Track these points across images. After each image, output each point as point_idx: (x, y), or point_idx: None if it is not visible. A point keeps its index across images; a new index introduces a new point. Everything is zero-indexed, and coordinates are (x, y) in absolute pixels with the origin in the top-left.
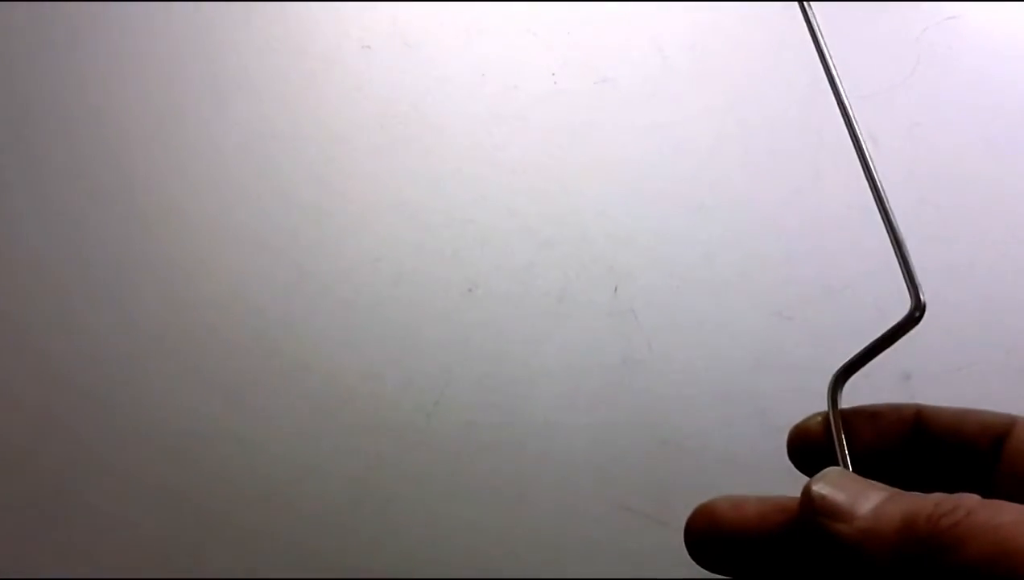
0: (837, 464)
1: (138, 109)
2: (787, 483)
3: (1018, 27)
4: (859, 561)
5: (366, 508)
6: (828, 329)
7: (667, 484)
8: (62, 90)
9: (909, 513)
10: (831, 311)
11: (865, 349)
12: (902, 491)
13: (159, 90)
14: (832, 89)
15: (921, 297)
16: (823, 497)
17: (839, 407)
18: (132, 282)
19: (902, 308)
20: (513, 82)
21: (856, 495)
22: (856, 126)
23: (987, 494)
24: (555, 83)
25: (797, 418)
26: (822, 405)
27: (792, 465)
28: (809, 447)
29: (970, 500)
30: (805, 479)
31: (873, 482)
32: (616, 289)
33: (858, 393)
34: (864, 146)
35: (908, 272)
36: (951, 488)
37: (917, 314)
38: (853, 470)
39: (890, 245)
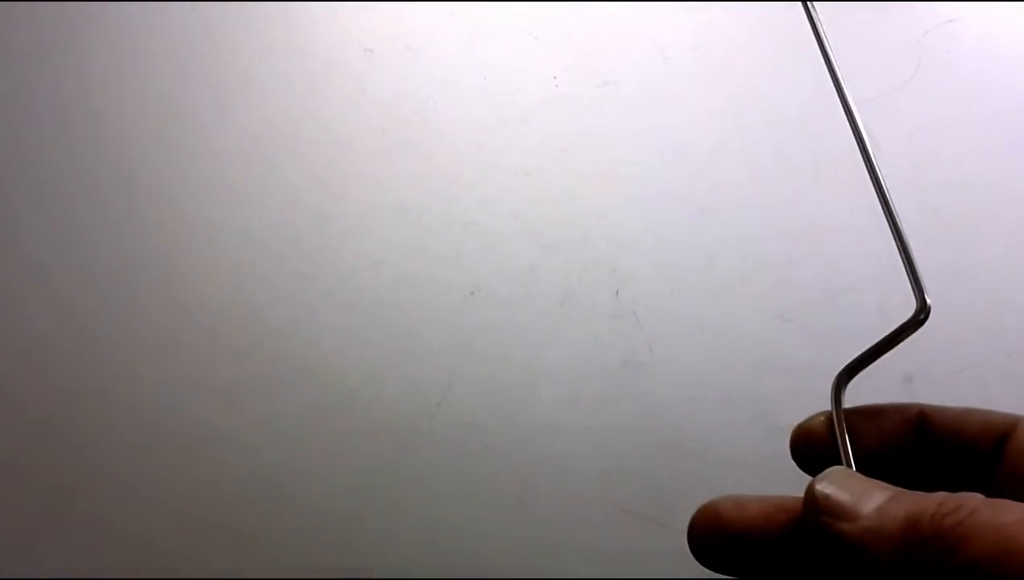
0: (840, 463)
1: (139, 112)
2: (789, 485)
3: (1018, 29)
4: (863, 560)
5: (368, 510)
6: (830, 332)
7: (669, 486)
8: (62, 93)
9: (913, 512)
10: (833, 314)
11: (869, 350)
12: (906, 490)
13: (160, 93)
14: (837, 91)
15: (926, 299)
16: (827, 496)
17: (842, 406)
18: (133, 285)
19: (904, 310)
20: (515, 85)
21: (860, 494)
22: (860, 128)
23: (990, 494)
24: (557, 86)
25: (799, 420)
26: (824, 407)
27: (795, 466)
28: (812, 447)
29: (973, 499)
30: (808, 480)
31: (877, 481)
32: (618, 292)
33: (860, 394)
34: (868, 148)
35: (913, 274)
36: (954, 488)
37: (922, 317)
38: (856, 469)
39: (893, 247)
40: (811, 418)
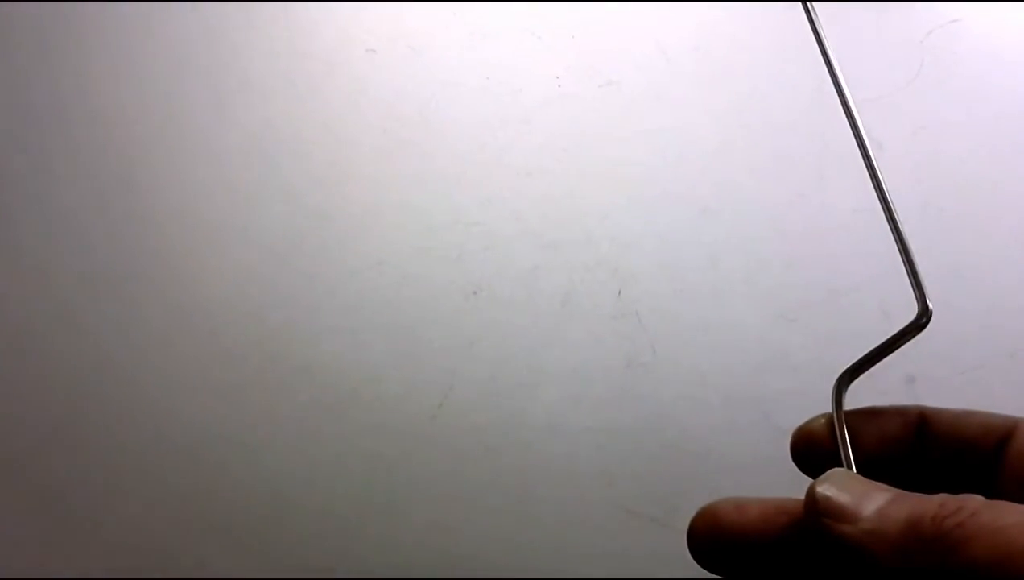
0: (841, 465)
1: (139, 112)
2: (791, 486)
3: (1021, 30)
4: (863, 562)
5: (370, 511)
6: (832, 332)
7: (671, 487)
8: (63, 93)
9: (913, 514)
10: (835, 314)
11: (870, 353)
12: (906, 492)
13: (161, 93)
14: (837, 92)
15: (928, 303)
16: (828, 498)
17: (843, 408)
18: (133, 286)
19: (906, 311)
20: (517, 86)
21: (861, 496)
22: (861, 130)
23: (990, 496)
24: (559, 86)
25: (801, 421)
26: (826, 408)
27: (796, 468)
28: (812, 449)
29: (974, 501)
30: (808, 482)
31: (877, 483)
32: (620, 292)
33: (862, 396)
34: (869, 150)
35: (915, 278)
36: (954, 490)
37: (923, 321)
38: (857, 471)
39: (896, 249)
40: (811, 420)
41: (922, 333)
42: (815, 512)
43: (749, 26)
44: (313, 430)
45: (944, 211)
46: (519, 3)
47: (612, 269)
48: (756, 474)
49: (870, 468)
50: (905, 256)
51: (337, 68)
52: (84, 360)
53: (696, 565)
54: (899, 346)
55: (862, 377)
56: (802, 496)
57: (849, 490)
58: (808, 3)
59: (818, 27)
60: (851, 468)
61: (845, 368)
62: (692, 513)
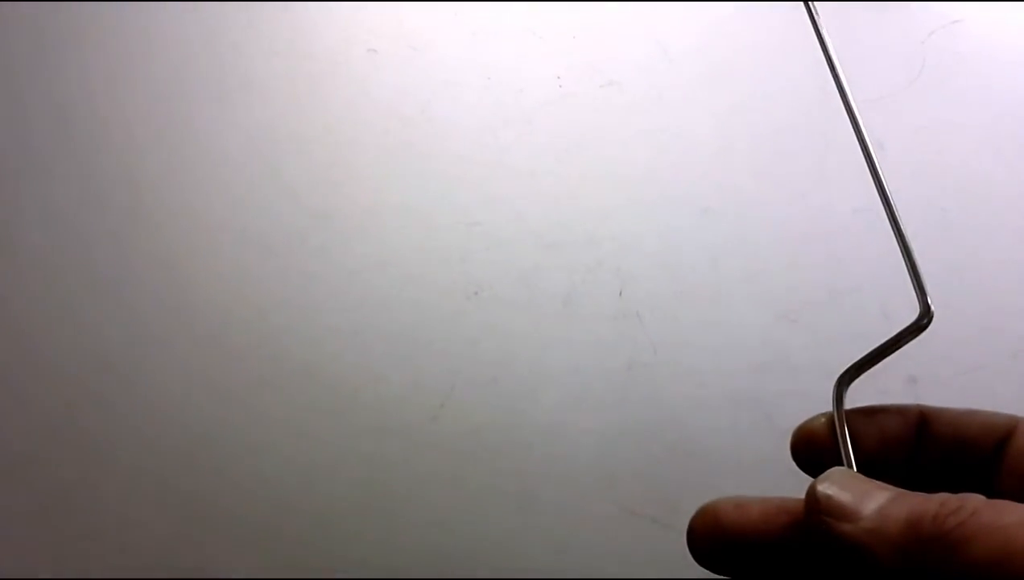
0: (841, 464)
1: (141, 112)
2: (793, 486)
3: (1022, 30)
4: (864, 561)
5: (372, 510)
6: (834, 333)
7: (673, 488)
8: (64, 93)
9: (914, 513)
10: (837, 315)
11: (871, 352)
12: (907, 491)
13: (162, 93)
14: (839, 92)
15: (929, 303)
16: (828, 497)
17: (844, 407)
18: (137, 286)
19: (908, 311)
20: (519, 86)
21: (861, 495)
22: (863, 130)
23: (990, 495)
24: (560, 86)
25: (802, 421)
26: (828, 408)
27: (798, 468)
28: (812, 448)
29: (975, 500)
30: (809, 482)
31: (878, 482)
32: (621, 293)
33: (864, 396)
34: (871, 150)
35: (916, 279)
36: (955, 489)
37: (925, 322)
38: (857, 470)
39: (897, 250)
40: (812, 419)
41: (924, 334)
42: (816, 511)
43: (751, 27)
44: (313, 431)
45: (946, 212)
46: (520, 3)
47: (613, 270)
48: (757, 475)
49: (870, 467)
50: (907, 256)
51: (338, 68)
52: (84, 360)
53: (697, 566)
54: (900, 346)
55: (864, 377)
56: (803, 497)
57: (850, 489)
58: (810, 3)
59: (820, 27)
60: (852, 467)
61: (846, 367)
62: (693, 514)
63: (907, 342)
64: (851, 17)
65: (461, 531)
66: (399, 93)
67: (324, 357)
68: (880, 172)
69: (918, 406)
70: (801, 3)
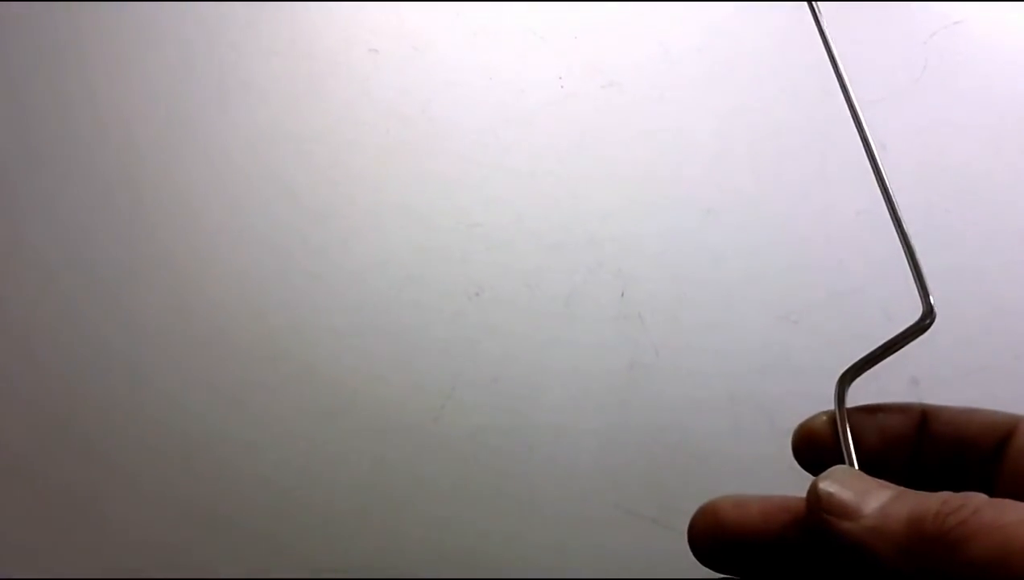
0: (843, 462)
1: (142, 112)
2: (794, 489)
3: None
4: (865, 559)
5: (372, 511)
6: (835, 333)
7: (674, 489)
8: (66, 93)
9: (916, 511)
10: (838, 315)
11: (874, 351)
12: (908, 490)
13: (163, 93)
14: (843, 92)
15: (932, 304)
16: (830, 495)
17: (845, 406)
18: (138, 285)
19: (910, 313)
20: (520, 86)
21: (863, 493)
22: (866, 130)
23: (991, 494)
24: (562, 87)
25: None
26: (830, 409)
27: (800, 469)
28: (813, 446)
29: (976, 499)
30: (810, 481)
31: (880, 480)
32: (623, 294)
33: (865, 397)
34: (875, 150)
35: (919, 279)
36: (956, 487)
37: (927, 321)
38: (859, 468)
39: (900, 250)
40: (813, 418)
41: (926, 334)
42: (817, 508)
43: (752, 27)
44: (315, 431)
45: (949, 212)
46: (521, 3)
47: (615, 270)
48: (759, 476)
49: (871, 466)
50: (910, 257)
51: (338, 68)
52: (85, 360)
53: (698, 568)
54: (903, 346)
55: (866, 379)
56: (803, 496)
57: (851, 487)
58: (814, 3)
59: (823, 27)
60: (853, 465)
61: (848, 366)
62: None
63: (910, 342)
64: (852, 18)
65: (462, 532)
66: (400, 93)
67: (324, 358)
68: (883, 171)
69: (920, 404)
70: (802, 3)
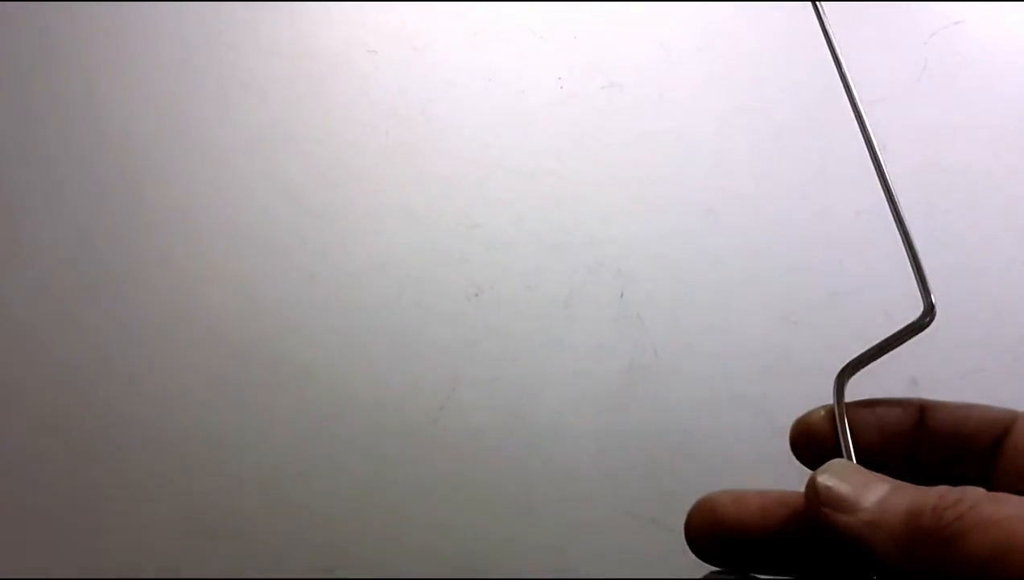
0: (841, 456)
1: (141, 112)
2: (794, 487)
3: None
4: (863, 552)
5: (372, 512)
6: (835, 334)
7: (674, 489)
8: (67, 92)
9: (914, 505)
10: (838, 316)
11: (874, 347)
12: (906, 484)
13: (163, 93)
14: (845, 91)
15: (932, 301)
16: (828, 488)
17: (844, 400)
18: (137, 286)
19: (910, 313)
20: (520, 87)
21: (861, 487)
22: (869, 129)
23: (989, 488)
24: (562, 87)
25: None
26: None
27: (800, 468)
28: (811, 441)
29: (974, 493)
30: (808, 475)
31: (878, 474)
32: (622, 294)
33: (864, 396)
34: (876, 150)
35: (920, 276)
36: (954, 482)
37: (928, 319)
38: (857, 462)
39: (900, 249)
40: (811, 412)
41: (926, 333)
42: (816, 502)
43: (753, 27)
44: (314, 431)
45: (949, 212)
46: (521, 4)
47: (614, 271)
48: (758, 476)
49: (870, 460)
50: (910, 253)
51: (338, 68)
52: (84, 360)
53: (698, 568)
54: (903, 342)
55: (865, 379)
56: (801, 491)
57: (850, 481)
58: (817, 3)
59: (827, 27)
60: (852, 459)
61: (848, 361)
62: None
63: (909, 338)
64: (852, 18)
65: (462, 532)
66: (400, 94)
67: (324, 358)
68: (885, 172)
69: (918, 399)
70: (802, 3)
